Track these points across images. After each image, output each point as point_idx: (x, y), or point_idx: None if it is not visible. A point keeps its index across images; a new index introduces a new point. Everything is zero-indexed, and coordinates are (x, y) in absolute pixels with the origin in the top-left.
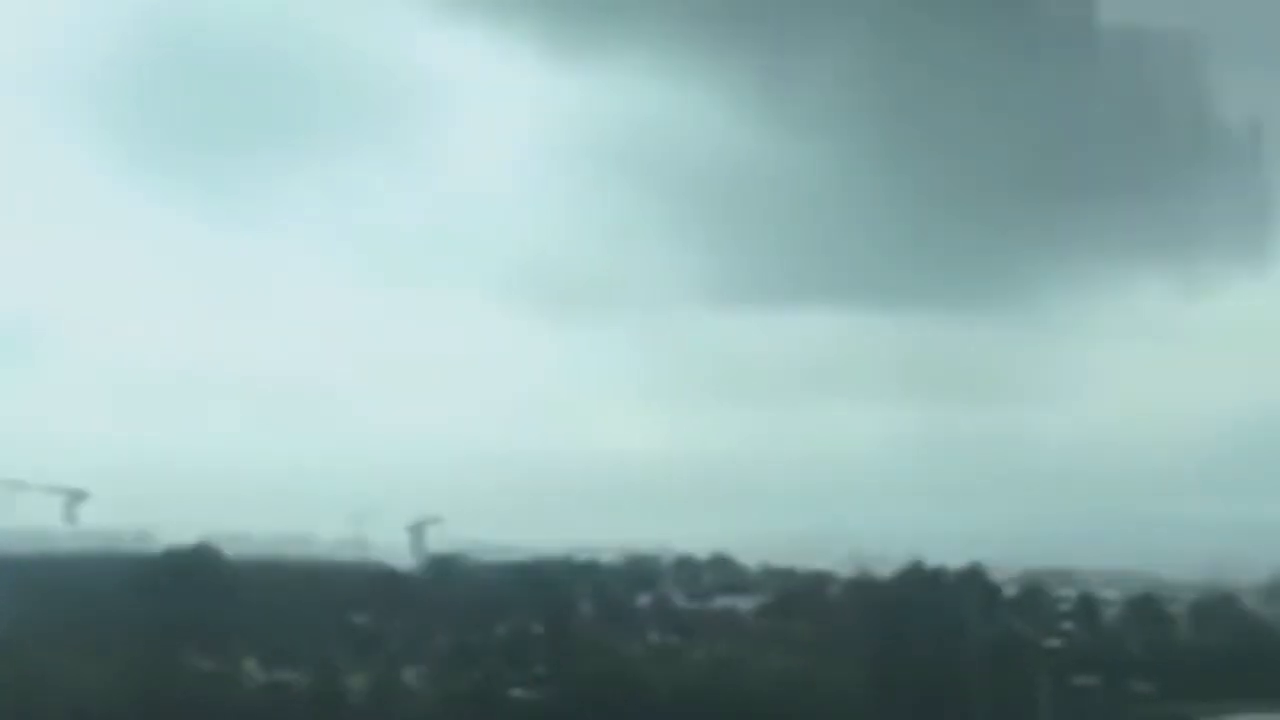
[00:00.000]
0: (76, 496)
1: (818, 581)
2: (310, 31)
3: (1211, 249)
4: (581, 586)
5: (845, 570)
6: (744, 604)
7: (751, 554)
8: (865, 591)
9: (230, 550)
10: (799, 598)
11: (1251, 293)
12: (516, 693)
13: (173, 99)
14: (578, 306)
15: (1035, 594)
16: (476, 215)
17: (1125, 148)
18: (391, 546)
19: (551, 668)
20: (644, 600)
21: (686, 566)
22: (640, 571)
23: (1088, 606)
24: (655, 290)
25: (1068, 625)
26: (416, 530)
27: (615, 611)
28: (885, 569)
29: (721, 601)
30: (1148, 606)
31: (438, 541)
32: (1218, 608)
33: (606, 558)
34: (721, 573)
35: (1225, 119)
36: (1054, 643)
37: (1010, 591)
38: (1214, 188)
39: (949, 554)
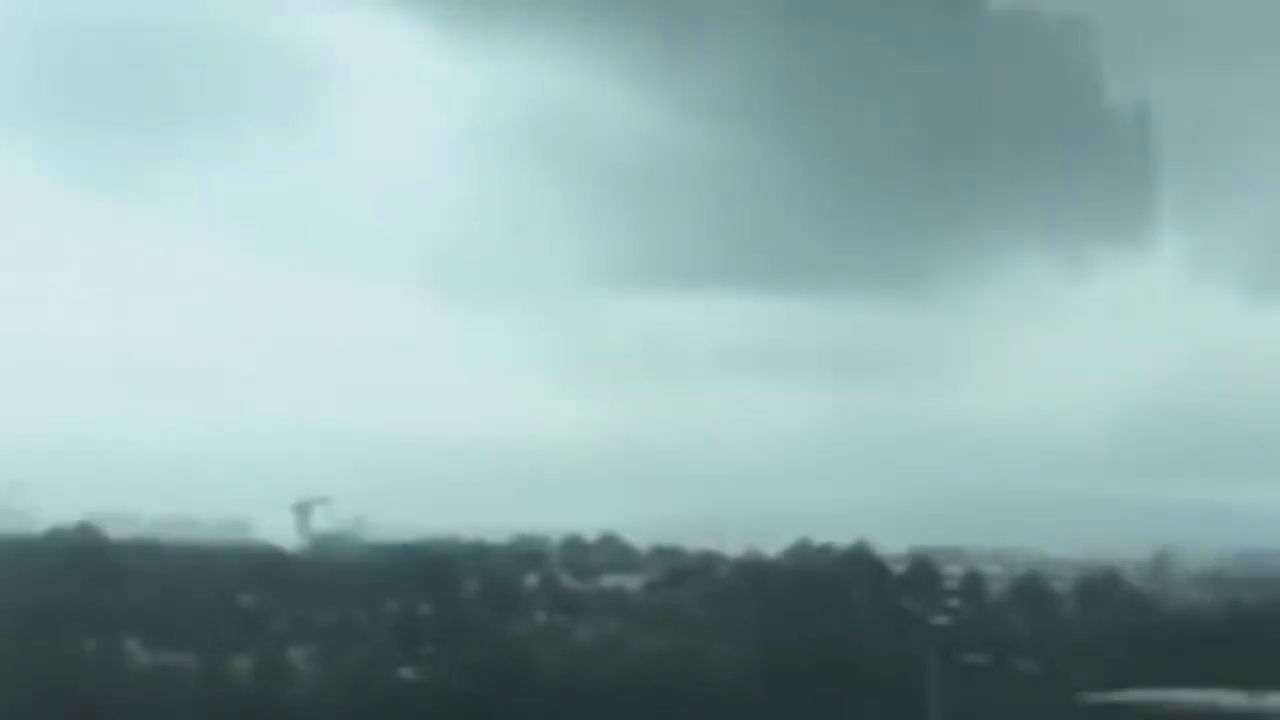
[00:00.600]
0: None
1: (706, 560)
2: (210, 11)
3: (1096, 230)
4: (469, 566)
5: (734, 549)
6: (632, 583)
7: (642, 534)
8: (753, 570)
9: (114, 532)
10: (687, 576)
11: (1132, 274)
12: (404, 672)
13: (65, 74)
14: (484, 290)
15: (922, 572)
16: (382, 199)
17: (1023, 137)
18: (278, 527)
19: (439, 647)
20: (532, 580)
21: (574, 546)
22: (528, 551)
23: (974, 584)
24: (561, 274)
25: (955, 603)
26: (302, 510)
27: (503, 591)
28: (774, 548)
29: (609, 580)
30: (1033, 584)
31: (324, 522)
32: (1102, 585)
33: (495, 537)
34: (610, 552)
35: (1110, 102)
36: (941, 620)
37: (898, 569)
38: (1099, 169)
39: (837, 532)
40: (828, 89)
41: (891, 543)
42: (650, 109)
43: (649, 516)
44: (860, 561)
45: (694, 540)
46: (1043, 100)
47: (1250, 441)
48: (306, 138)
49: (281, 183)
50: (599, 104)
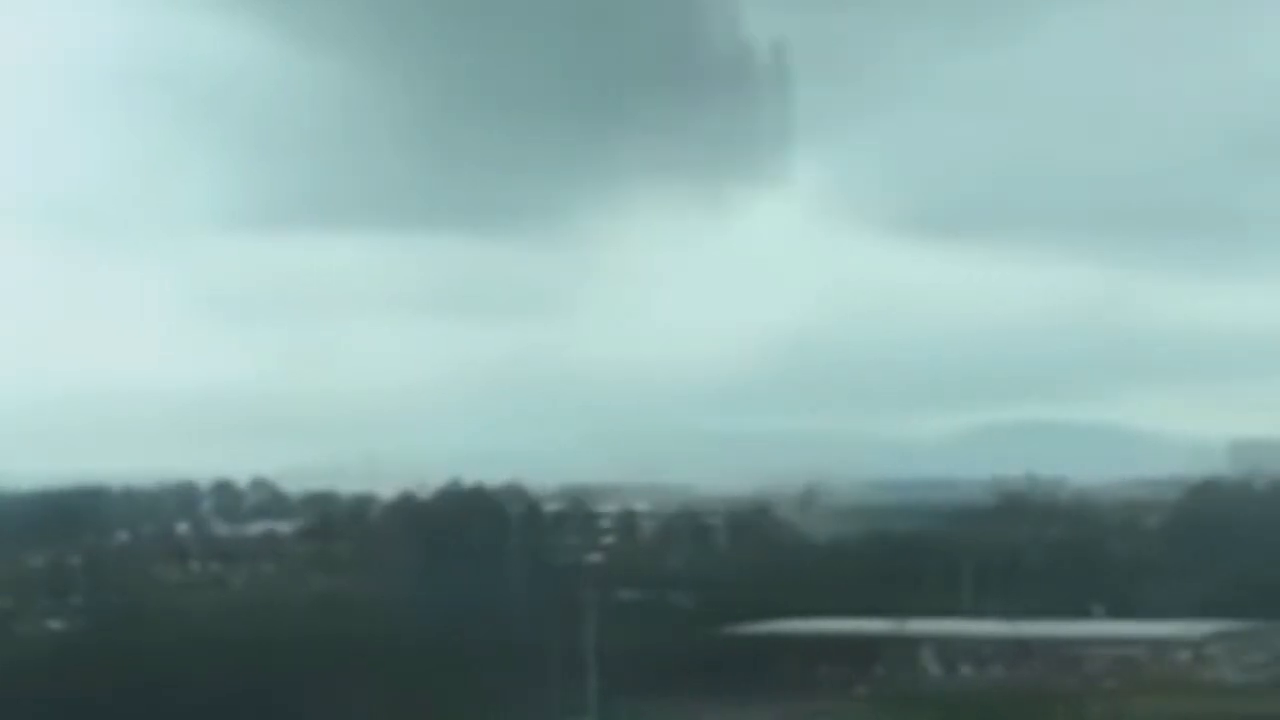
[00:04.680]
0: None
1: (358, 504)
2: None
3: (734, 167)
4: (118, 514)
5: (387, 492)
6: (284, 528)
7: (293, 480)
8: (406, 512)
9: None
10: (340, 520)
11: (773, 213)
12: (53, 624)
13: None
14: (117, 236)
15: (576, 509)
16: (11, 148)
17: (657, 71)
18: None
19: (89, 597)
20: (183, 526)
21: (226, 493)
22: (179, 499)
23: (628, 522)
24: (193, 218)
25: (609, 540)
26: None
27: (153, 538)
28: (427, 490)
29: (261, 526)
30: (686, 520)
31: None
32: (752, 519)
33: (144, 484)
34: (261, 497)
35: (745, 41)
36: (595, 557)
37: (552, 507)
38: (735, 108)
39: (492, 473)
40: (464, 27)
41: (545, 481)
42: (280, 53)
43: (299, 461)
44: (513, 500)
45: (347, 484)
46: (676, 39)
47: (888, 375)
48: None
49: None
50: (229, 48)
